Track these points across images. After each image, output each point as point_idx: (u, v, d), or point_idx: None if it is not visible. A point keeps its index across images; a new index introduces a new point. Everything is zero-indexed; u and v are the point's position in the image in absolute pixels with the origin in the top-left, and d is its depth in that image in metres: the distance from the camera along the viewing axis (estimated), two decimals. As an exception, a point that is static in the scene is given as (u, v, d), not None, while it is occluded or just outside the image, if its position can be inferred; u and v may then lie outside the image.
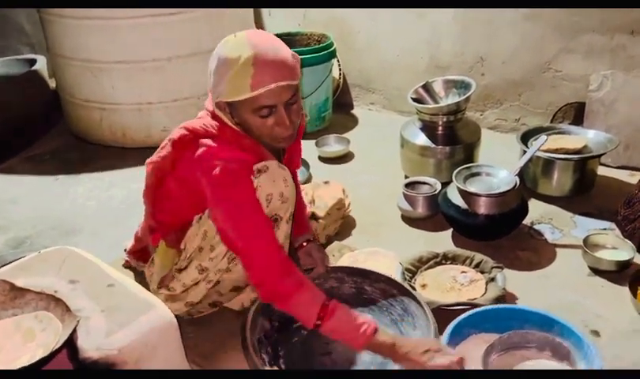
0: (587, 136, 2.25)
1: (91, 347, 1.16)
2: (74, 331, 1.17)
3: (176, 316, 1.34)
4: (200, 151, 1.40)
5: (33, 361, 1.09)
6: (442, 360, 1.28)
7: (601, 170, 2.28)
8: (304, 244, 1.70)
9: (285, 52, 1.35)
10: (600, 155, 2.18)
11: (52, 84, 3.19)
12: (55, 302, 1.24)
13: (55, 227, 2.24)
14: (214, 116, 1.45)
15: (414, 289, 1.64)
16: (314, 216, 1.94)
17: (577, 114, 2.56)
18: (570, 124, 2.53)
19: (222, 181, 1.35)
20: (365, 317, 1.35)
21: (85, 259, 1.43)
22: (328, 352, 1.51)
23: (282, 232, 1.49)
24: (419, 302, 1.51)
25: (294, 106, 1.38)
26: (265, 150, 1.46)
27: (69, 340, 1.15)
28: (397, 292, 1.58)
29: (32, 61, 3.21)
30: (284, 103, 1.35)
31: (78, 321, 1.19)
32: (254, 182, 1.39)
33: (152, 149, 1.57)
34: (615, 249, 1.85)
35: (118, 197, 2.44)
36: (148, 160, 1.54)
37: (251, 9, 3.07)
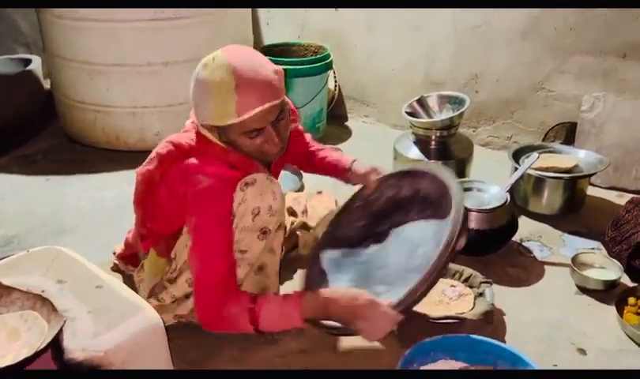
0: (578, 156, 2.27)
1: (77, 347, 1.15)
2: (60, 331, 1.15)
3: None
4: (187, 164, 1.41)
5: (17, 360, 1.08)
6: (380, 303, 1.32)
7: (591, 190, 2.31)
8: (348, 174, 1.71)
9: (267, 70, 1.33)
10: (590, 175, 2.20)
11: (47, 84, 3.18)
12: (42, 302, 1.23)
13: (44, 226, 2.22)
14: (199, 134, 1.45)
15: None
16: (305, 226, 1.94)
17: (568, 133, 2.59)
18: (561, 143, 2.55)
19: (202, 195, 1.36)
20: (287, 295, 1.37)
21: (74, 259, 1.42)
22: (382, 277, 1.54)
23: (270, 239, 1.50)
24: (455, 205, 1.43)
25: (282, 121, 1.38)
26: (254, 162, 1.45)
27: (54, 340, 1.13)
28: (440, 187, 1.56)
29: (27, 61, 3.20)
30: (272, 122, 1.35)
31: (65, 322, 1.18)
32: (239, 195, 1.39)
33: (145, 153, 1.56)
34: (603, 268, 1.86)
35: (109, 199, 2.43)
36: (137, 171, 1.53)
37: (249, 18, 3.09)
